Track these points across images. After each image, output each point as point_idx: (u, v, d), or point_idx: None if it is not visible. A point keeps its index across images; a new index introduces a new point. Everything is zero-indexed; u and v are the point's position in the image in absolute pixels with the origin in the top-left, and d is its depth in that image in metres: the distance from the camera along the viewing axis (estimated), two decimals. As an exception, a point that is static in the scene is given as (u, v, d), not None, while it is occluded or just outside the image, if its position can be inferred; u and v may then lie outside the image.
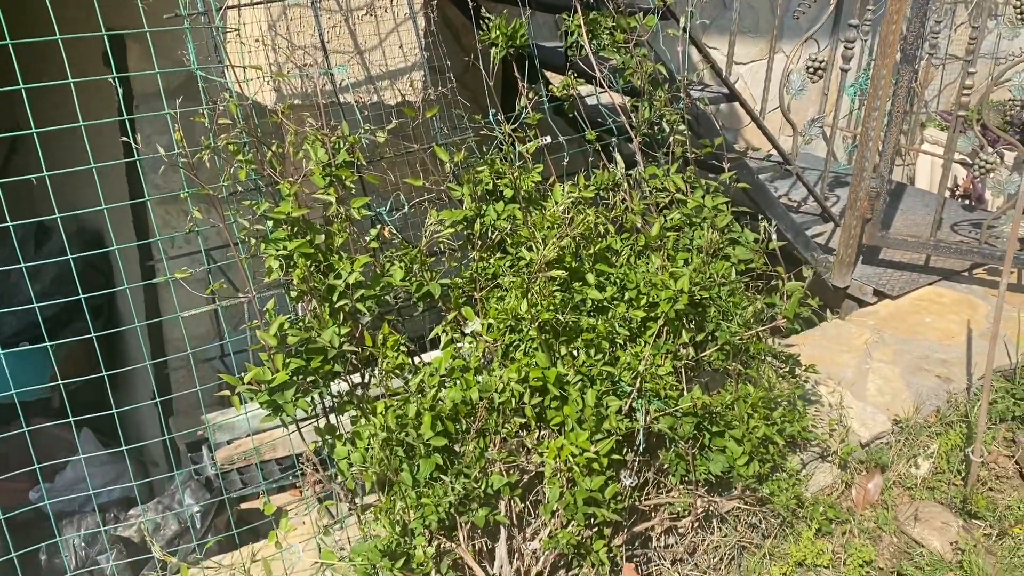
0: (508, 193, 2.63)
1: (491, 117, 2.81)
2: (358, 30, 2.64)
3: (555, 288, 2.50)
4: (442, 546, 2.41)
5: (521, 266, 2.55)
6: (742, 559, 3.06)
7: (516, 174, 2.66)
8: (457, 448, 2.46)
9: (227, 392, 2.17)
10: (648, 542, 2.96)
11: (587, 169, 2.95)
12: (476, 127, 2.76)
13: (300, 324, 2.29)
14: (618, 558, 2.73)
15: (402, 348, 2.44)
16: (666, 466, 2.91)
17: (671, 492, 2.91)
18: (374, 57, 2.68)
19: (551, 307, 2.48)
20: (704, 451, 2.90)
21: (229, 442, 3.63)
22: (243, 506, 3.52)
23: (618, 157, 2.90)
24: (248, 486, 3.59)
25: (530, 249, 2.55)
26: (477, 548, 2.53)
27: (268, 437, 3.68)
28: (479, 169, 2.66)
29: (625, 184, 2.87)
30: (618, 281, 2.76)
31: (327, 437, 2.37)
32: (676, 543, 3.02)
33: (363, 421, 2.35)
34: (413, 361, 2.56)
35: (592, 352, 2.61)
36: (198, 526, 3.68)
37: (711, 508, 2.99)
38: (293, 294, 2.32)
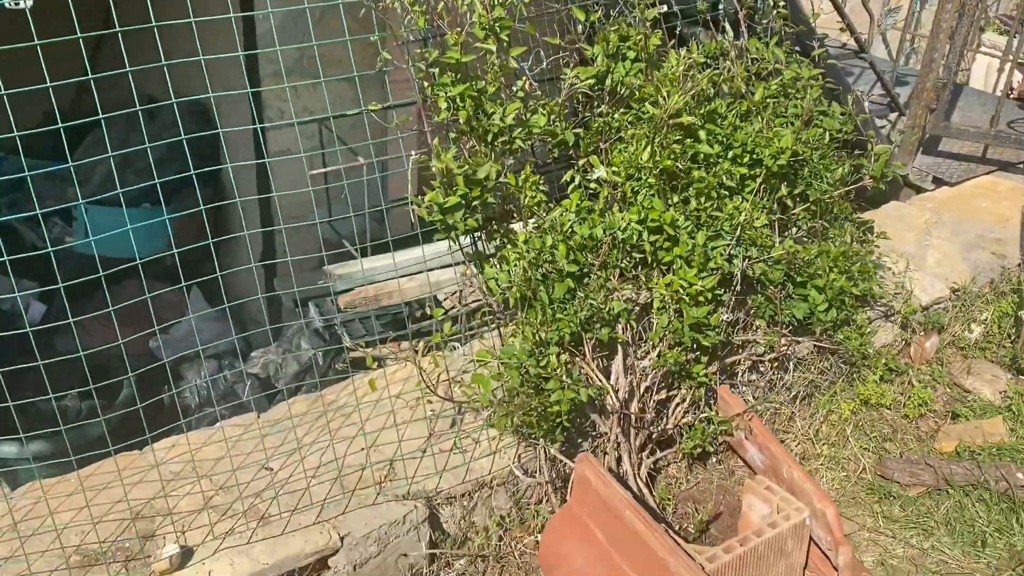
0: (632, 55, 2.94)
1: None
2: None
3: (675, 139, 2.83)
4: (569, 360, 2.82)
5: (646, 119, 2.88)
6: (813, 398, 3.47)
7: (640, 37, 2.95)
8: (584, 279, 2.84)
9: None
10: (734, 376, 3.36)
11: (696, 39, 3.24)
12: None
13: (463, 160, 2.64)
14: (712, 382, 3.13)
15: (540, 188, 2.79)
16: (755, 309, 3.28)
17: (758, 332, 3.30)
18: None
19: (671, 156, 2.82)
20: (789, 299, 3.27)
21: (348, 291, 4.05)
22: (356, 354, 3.95)
23: (727, 26, 3.18)
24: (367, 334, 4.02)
25: (654, 104, 2.87)
26: (597, 364, 2.93)
27: (383, 288, 4.10)
28: (611, 29, 2.96)
29: (732, 54, 3.16)
30: (724, 140, 3.08)
31: (478, 261, 2.75)
32: (758, 378, 3.43)
33: (509, 248, 2.72)
34: (547, 200, 2.92)
35: (702, 200, 2.95)
36: (320, 363, 4.13)
37: (791, 349, 3.38)
38: (453, 134, 2.66)
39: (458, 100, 2.57)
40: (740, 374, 3.36)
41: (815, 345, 3.42)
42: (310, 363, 4.22)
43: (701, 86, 2.92)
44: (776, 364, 3.37)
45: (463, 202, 2.53)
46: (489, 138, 2.65)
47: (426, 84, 2.58)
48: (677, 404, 3.08)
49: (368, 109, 2.53)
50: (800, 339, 3.37)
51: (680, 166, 2.83)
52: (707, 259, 2.94)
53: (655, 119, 2.84)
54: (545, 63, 2.86)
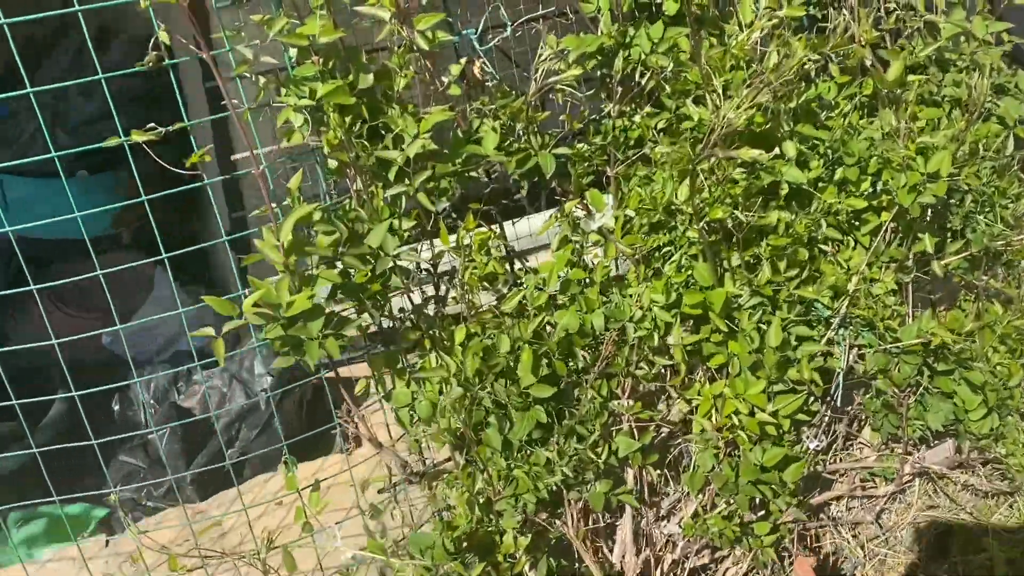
0: (671, 8, 1.67)
1: None
2: None
3: (738, 170, 1.60)
4: (539, 533, 1.70)
5: (684, 129, 1.64)
6: (951, 536, 2.25)
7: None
8: (567, 398, 1.68)
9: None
10: (824, 507, 2.18)
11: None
12: None
13: (342, 213, 1.50)
14: (787, 541, 1.97)
15: (494, 250, 1.62)
16: (863, 416, 2.07)
17: (865, 451, 2.09)
18: None
19: (727, 198, 1.59)
20: (922, 397, 2.03)
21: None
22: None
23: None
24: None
25: (700, 103, 1.62)
26: (591, 524, 1.81)
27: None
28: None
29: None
30: (829, 152, 1.81)
31: (382, 375, 1.63)
32: (860, 507, 2.23)
33: (434, 357, 1.58)
34: (510, 268, 1.75)
35: (783, 264, 1.72)
36: (262, 407, 3.13)
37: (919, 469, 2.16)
38: (330, 164, 1.51)
39: (327, 111, 1.41)
40: (834, 509, 2.17)
41: (957, 463, 2.17)
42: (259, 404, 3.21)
43: (793, 65, 1.63)
44: (893, 498, 2.16)
45: (327, 302, 1.40)
46: (391, 175, 1.48)
47: (262, 82, 1.43)
48: (725, 579, 1.94)
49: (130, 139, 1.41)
50: (933, 460, 2.13)
51: (744, 216, 1.60)
52: (786, 364, 1.73)
53: (703, 128, 1.61)
54: (509, 29, 1.64)
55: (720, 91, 1.52)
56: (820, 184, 1.80)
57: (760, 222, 1.69)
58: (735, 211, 1.60)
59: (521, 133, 1.58)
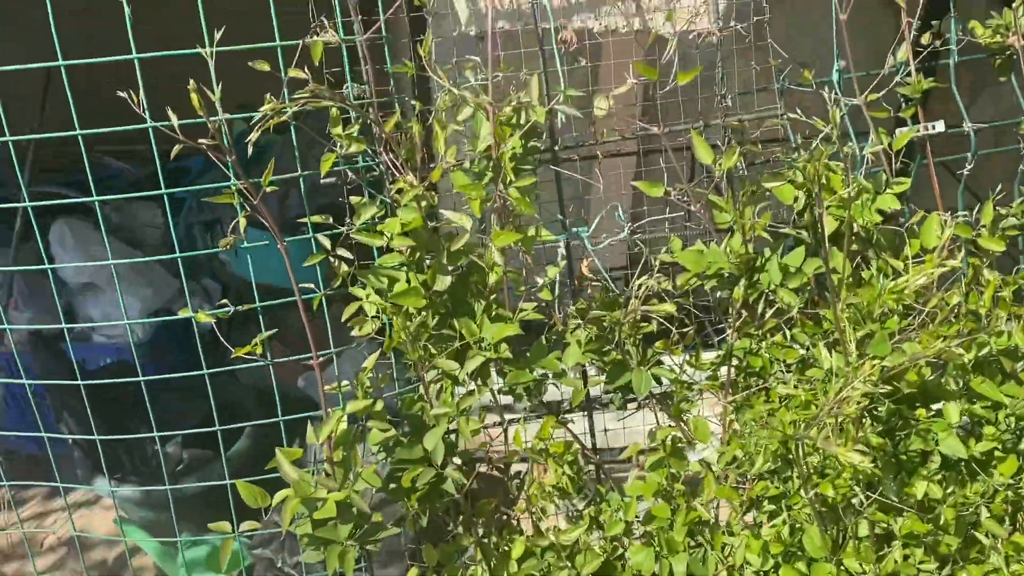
0: (830, 225, 1.42)
1: (836, 73, 1.57)
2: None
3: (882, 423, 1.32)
4: None
5: (817, 375, 1.38)
6: None
7: (854, 186, 1.43)
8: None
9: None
10: None
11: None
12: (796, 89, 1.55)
13: (407, 403, 1.42)
14: None
15: (568, 461, 1.47)
16: None
17: None
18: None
19: (844, 483, 1.32)
20: None
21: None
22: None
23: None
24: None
25: (836, 348, 1.36)
26: None
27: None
28: (788, 170, 1.48)
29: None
30: (1012, 422, 1.46)
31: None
32: None
33: (480, 570, 1.45)
34: (596, 473, 1.58)
35: (917, 552, 1.39)
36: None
37: None
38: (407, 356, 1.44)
39: (390, 313, 1.35)
40: None
41: None
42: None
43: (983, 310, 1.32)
44: None
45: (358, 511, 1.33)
46: (461, 375, 1.38)
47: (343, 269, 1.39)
48: None
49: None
50: None
51: (864, 494, 1.31)
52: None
53: (840, 378, 1.35)
54: (626, 231, 1.48)
55: (853, 338, 1.27)
56: (994, 463, 1.45)
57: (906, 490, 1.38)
58: (856, 486, 1.32)
59: (617, 345, 1.42)
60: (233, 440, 3.52)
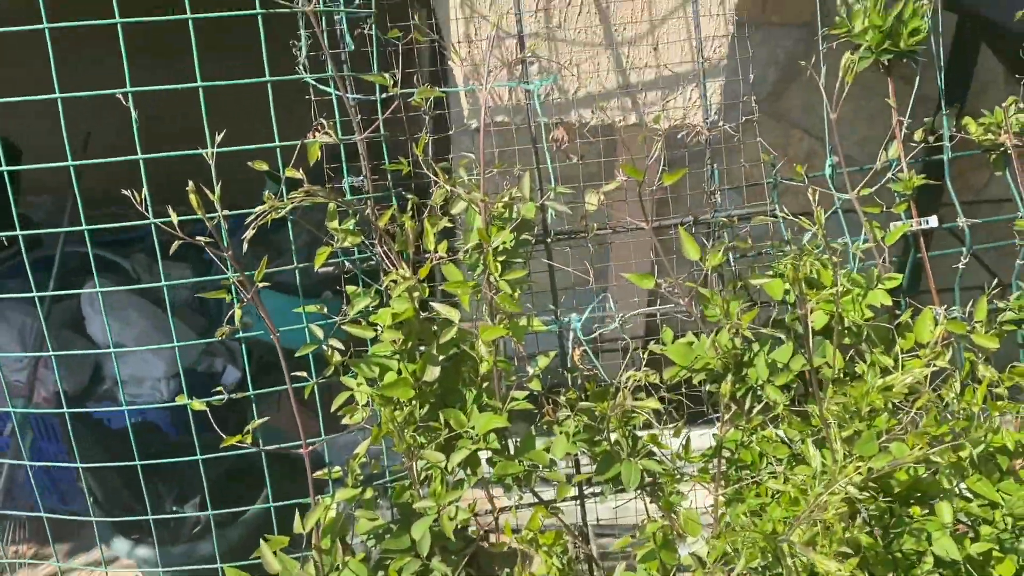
0: (819, 321, 1.44)
1: (829, 167, 1.59)
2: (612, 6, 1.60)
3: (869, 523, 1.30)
4: None
5: (797, 475, 1.37)
6: None
7: (844, 281, 1.44)
8: None
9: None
10: None
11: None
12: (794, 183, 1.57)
13: (396, 491, 1.44)
14: None
15: (559, 552, 1.46)
16: None
17: None
18: (634, 52, 1.62)
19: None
20: None
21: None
22: None
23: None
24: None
25: (824, 446, 1.36)
26: None
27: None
28: (778, 264, 1.50)
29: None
30: (1009, 521, 1.43)
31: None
32: None
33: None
34: (588, 567, 1.57)
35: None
36: None
37: None
38: (397, 444, 1.46)
39: (379, 405, 1.38)
40: None
41: None
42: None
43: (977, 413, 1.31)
44: None
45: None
46: (448, 466, 1.40)
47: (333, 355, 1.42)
48: None
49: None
50: None
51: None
52: None
53: (827, 476, 1.34)
54: (618, 321, 1.50)
55: (839, 448, 1.26)
56: (995, 555, 1.42)
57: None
58: (844, 586, 1.29)
59: (605, 437, 1.43)
60: (250, 502, 3.53)
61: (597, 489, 1.68)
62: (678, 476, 1.46)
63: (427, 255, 1.46)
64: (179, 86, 1.34)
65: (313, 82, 1.42)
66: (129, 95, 1.29)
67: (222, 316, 4.39)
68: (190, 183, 1.17)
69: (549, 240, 1.57)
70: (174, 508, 3.22)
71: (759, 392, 1.40)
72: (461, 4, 1.63)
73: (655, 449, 1.49)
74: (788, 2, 2.34)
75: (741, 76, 1.56)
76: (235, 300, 1.32)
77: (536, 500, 1.54)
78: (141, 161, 1.35)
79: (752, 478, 1.48)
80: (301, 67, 1.42)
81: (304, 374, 1.45)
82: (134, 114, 1.27)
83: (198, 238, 1.21)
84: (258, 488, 2.89)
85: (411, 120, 1.56)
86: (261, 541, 1.34)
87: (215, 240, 1.24)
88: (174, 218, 1.20)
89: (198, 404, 1.40)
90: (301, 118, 1.45)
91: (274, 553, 1.32)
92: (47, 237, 3.68)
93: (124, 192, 1.22)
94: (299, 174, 1.27)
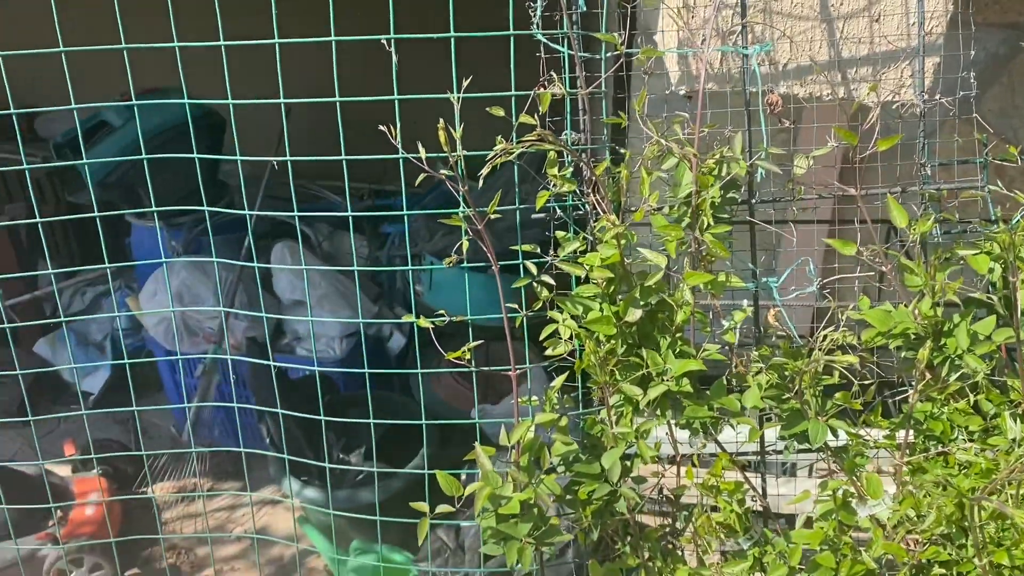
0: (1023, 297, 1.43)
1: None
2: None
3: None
4: None
5: (986, 449, 1.38)
6: None
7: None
8: None
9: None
10: None
11: None
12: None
13: (589, 423, 1.55)
14: None
15: (738, 502, 1.53)
16: None
17: None
18: (849, 27, 1.66)
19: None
20: None
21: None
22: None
23: None
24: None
25: (1022, 418, 1.36)
26: None
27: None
28: (985, 241, 1.50)
29: None
30: None
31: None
32: None
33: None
34: (761, 523, 1.63)
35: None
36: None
37: None
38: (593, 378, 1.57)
39: (583, 337, 1.49)
40: None
41: None
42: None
43: None
44: None
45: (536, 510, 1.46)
46: (641, 402, 1.50)
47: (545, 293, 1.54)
48: None
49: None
50: None
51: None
52: None
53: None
54: (816, 285, 1.55)
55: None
56: None
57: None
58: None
59: (799, 392, 1.48)
60: (409, 459, 3.76)
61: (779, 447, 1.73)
62: (864, 440, 1.50)
63: (633, 208, 1.56)
64: (436, 35, 1.50)
65: (544, 40, 1.55)
66: (386, 43, 1.46)
67: (394, 285, 4.69)
68: (440, 120, 1.32)
69: (754, 201, 1.63)
70: (340, 456, 3.47)
71: (957, 362, 1.41)
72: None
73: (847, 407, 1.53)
74: (994, 1, 2.27)
75: (961, 50, 1.57)
76: (463, 233, 1.46)
77: (719, 448, 1.61)
78: (395, 102, 1.52)
79: (940, 449, 1.49)
80: (535, 25, 1.55)
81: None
82: (395, 59, 1.44)
83: (442, 172, 1.36)
84: (412, 450, 3.10)
85: (616, 81, 1.66)
86: (476, 446, 1.48)
87: (454, 175, 1.39)
88: (422, 152, 1.36)
89: (424, 322, 1.56)
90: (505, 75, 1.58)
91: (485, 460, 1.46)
92: (240, 202, 4.05)
93: (380, 128, 1.39)
94: (533, 119, 1.39)
